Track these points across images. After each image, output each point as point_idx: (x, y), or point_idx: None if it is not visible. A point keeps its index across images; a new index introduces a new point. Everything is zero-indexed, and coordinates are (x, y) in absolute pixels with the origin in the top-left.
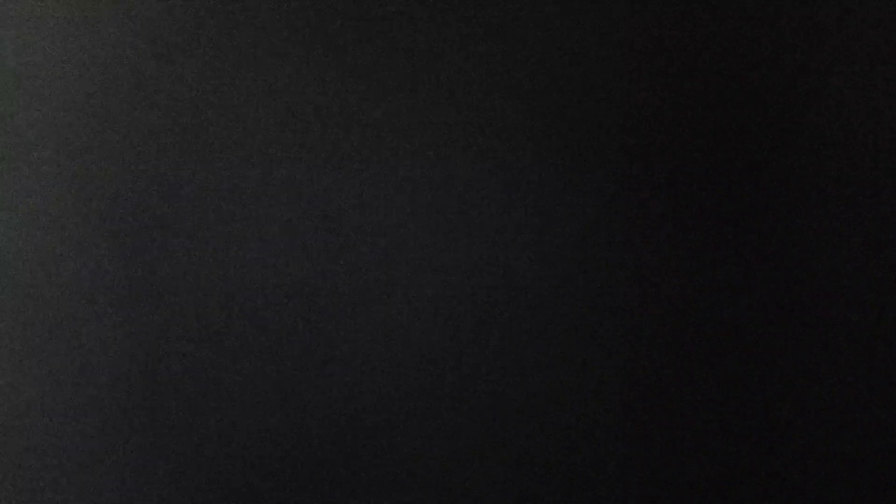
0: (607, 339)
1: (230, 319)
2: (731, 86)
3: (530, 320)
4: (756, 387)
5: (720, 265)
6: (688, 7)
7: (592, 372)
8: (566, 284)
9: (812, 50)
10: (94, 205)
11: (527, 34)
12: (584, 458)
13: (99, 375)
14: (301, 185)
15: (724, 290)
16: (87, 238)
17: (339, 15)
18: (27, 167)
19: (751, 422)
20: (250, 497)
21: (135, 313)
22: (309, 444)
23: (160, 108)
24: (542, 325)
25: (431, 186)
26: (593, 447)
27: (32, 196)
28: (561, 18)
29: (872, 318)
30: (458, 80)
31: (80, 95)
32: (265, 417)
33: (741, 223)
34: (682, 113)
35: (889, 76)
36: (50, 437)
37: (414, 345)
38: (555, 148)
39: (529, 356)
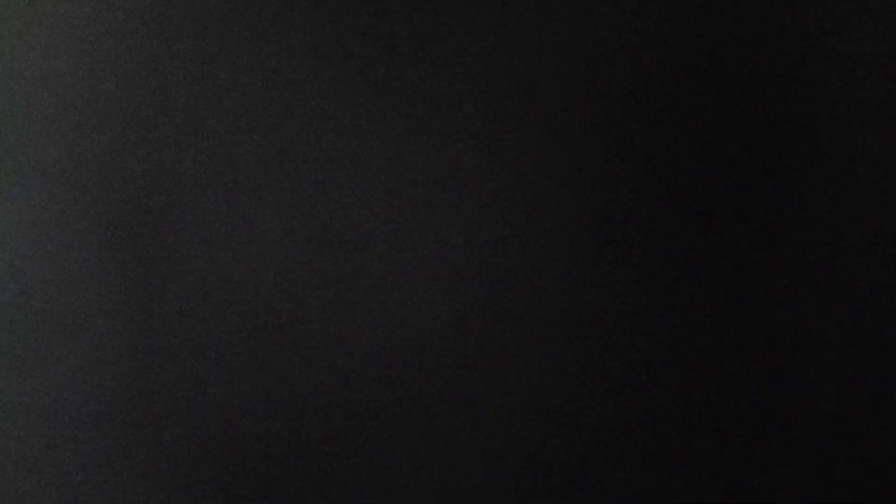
0: (606, 339)
1: (229, 320)
2: (731, 86)
3: (529, 320)
4: (756, 387)
5: (720, 265)
6: (688, 7)
7: (591, 372)
8: (565, 284)
9: (812, 50)
10: (94, 204)
11: (526, 34)
12: (584, 457)
13: (98, 375)
14: (300, 184)
15: (724, 289)
16: (87, 237)
17: (339, 14)
18: (27, 167)
19: (751, 422)
20: (249, 497)
21: (134, 313)
22: (308, 444)
23: (159, 108)
24: (540, 325)
25: (430, 186)
26: (592, 447)
27: (32, 196)
28: (561, 19)
29: (872, 318)
30: (457, 81)
31: (80, 95)
32: (264, 417)
33: (741, 223)
34: (682, 113)
35: (889, 76)
36: (49, 437)
37: (412, 345)
38: (554, 147)
39: (528, 356)
